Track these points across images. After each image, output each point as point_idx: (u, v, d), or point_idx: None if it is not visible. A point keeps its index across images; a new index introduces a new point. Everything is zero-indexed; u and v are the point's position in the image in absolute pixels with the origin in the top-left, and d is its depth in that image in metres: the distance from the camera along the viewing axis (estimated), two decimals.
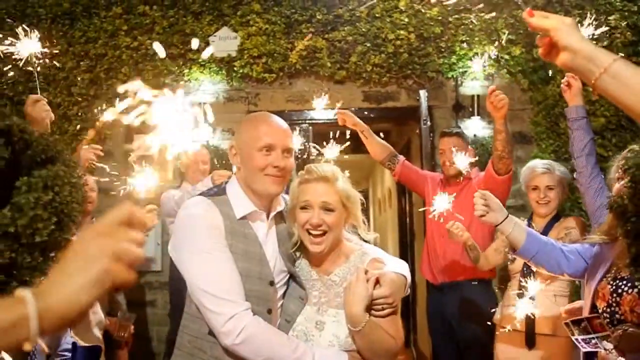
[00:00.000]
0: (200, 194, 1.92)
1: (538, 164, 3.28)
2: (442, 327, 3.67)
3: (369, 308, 1.71)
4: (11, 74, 4.99)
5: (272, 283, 1.84)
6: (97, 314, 2.98)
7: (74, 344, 2.39)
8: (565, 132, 4.82)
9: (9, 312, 0.70)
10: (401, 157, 3.74)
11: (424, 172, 3.94)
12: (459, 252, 3.37)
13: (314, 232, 1.81)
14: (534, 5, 4.95)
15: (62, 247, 1.54)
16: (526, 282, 2.75)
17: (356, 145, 3.73)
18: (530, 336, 3.01)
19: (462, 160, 2.62)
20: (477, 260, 3.18)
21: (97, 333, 2.99)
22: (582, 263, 2.07)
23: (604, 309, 1.87)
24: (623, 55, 4.56)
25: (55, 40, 5.16)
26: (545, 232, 3.01)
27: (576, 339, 1.86)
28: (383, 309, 1.74)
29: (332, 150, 2.88)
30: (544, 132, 4.89)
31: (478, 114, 4.90)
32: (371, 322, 1.70)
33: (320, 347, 1.76)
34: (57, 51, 5.11)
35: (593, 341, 1.81)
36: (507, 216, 2.11)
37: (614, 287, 1.87)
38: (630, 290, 1.81)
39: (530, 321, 2.96)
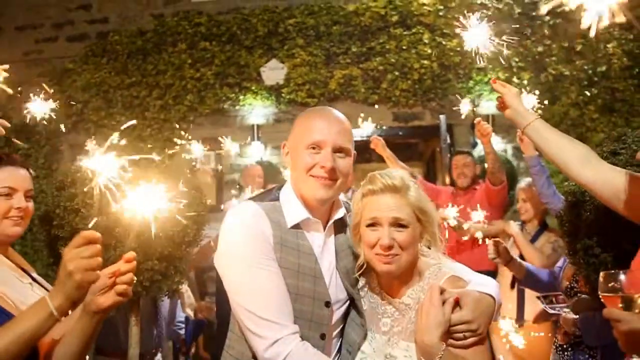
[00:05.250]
0: (250, 198, 1.72)
1: (524, 179, 3.86)
2: None
3: (446, 336, 1.38)
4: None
5: (328, 304, 1.59)
6: (190, 298, 3.83)
7: (186, 317, 3.16)
8: None
9: (40, 311, 1.25)
10: (419, 177, 4.53)
11: (437, 187, 4.76)
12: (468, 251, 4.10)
13: (384, 254, 1.50)
14: (542, 35, 5.72)
15: None
16: None
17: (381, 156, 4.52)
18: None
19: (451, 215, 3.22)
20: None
21: (190, 313, 3.82)
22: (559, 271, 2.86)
23: (568, 285, 2.63)
24: (619, 78, 5.25)
25: (130, 73, 6.15)
26: (534, 238, 3.65)
27: (545, 306, 2.64)
28: (465, 337, 1.40)
29: None
30: None
31: (493, 132, 5.64)
32: (449, 354, 1.38)
33: None
34: (132, 82, 6.12)
35: (557, 309, 2.59)
36: (511, 259, 2.85)
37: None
38: None
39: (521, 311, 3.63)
